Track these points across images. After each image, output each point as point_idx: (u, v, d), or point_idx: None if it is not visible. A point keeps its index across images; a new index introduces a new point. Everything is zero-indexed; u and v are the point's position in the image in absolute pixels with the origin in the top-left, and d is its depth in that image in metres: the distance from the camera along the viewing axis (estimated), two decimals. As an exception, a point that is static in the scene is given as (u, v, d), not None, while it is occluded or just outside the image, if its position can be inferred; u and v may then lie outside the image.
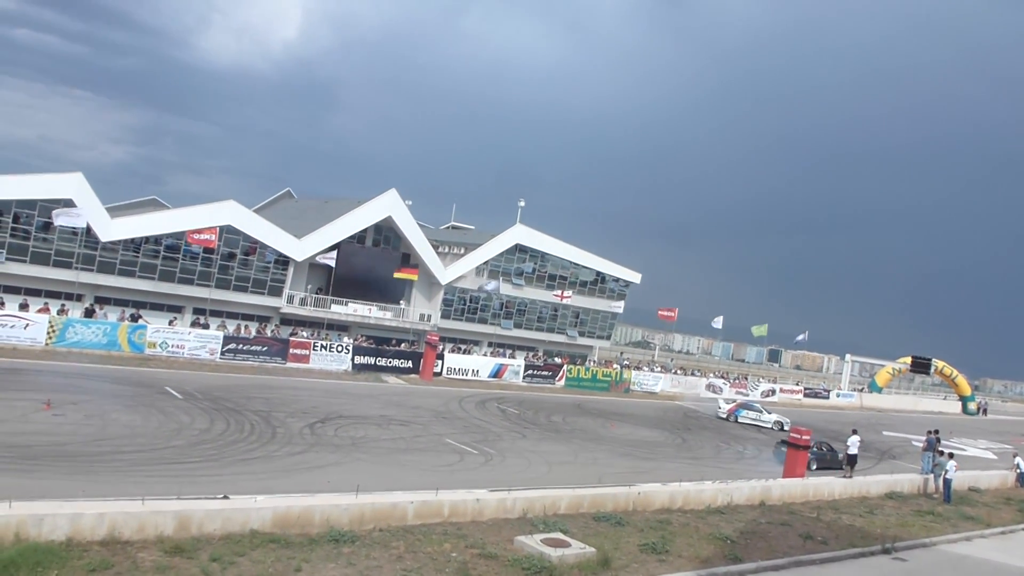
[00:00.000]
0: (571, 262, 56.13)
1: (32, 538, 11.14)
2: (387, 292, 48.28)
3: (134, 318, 35.91)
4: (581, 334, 57.80)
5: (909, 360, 71.64)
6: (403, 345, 44.65)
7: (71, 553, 11.07)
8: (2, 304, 32.23)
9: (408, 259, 48.73)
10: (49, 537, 11.30)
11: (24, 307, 32.99)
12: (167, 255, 39.18)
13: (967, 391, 77.08)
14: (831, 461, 29.14)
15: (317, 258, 42.93)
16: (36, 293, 36.07)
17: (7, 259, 35.19)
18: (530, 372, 45.78)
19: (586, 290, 57.16)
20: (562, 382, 46.69)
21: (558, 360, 51.05)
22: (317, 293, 45.51)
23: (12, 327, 30.50)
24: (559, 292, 52.77)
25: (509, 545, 14.16)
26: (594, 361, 56.96)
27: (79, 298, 37.21)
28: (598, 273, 57.73)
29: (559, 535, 14.76)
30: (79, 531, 11.61)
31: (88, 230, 35.79)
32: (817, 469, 27.48)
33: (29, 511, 11.47)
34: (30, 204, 35.22)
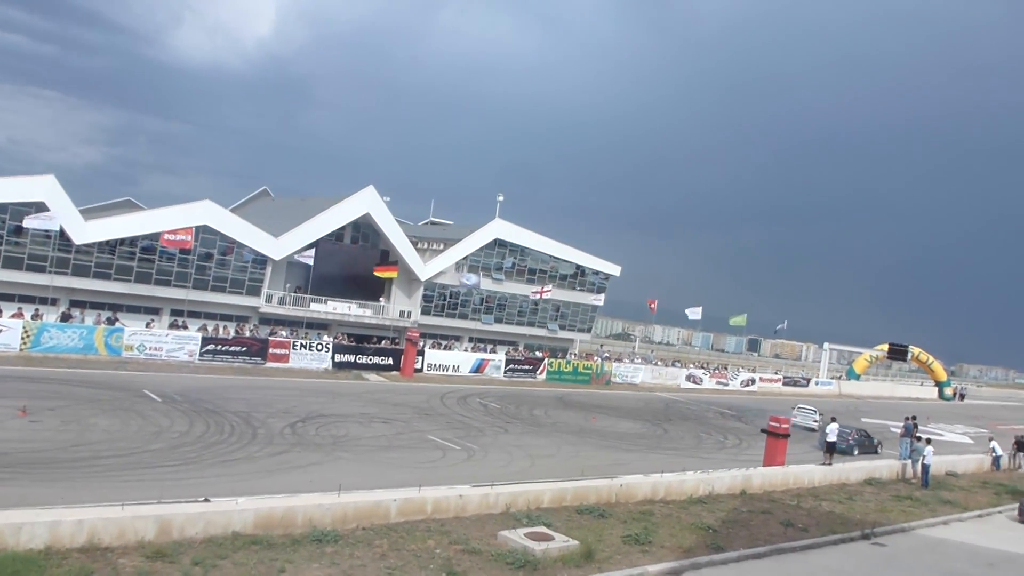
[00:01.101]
0: (551, 256, 56.17)
1: (10, 547, 11.01)
2: (367, 289, 48.08)
3: (111, 321, 35.51)
4: (562, 327, 57.91)
5: (886, 347, 72.58)
6: (384, 342, 44.51)
7: (50, 561, 10.94)
8: (-25, 309, 31.72)
9: (387, 256, 48.55)
10: (27, 545, 11.17)
11: (-3, 312, 32.50)
12: (143, 256, 38.74)
13: (943, 377, 78.29)
14: (868, 447, 31.85)
15: (295, 257, 42.67)
16: (9, 298, 35.52)
17: (-21, 264, 34.65)
18: (511, 366, 45.81)
19: (566, 283, 57.23)
20: (543, 376, 46.77)
21: (539, 354, 51.13)
22: (296, 292, 45.23)
23: (-15, 333, 30.01)
24: (539, 288, 52.80)
25: (493, 540, 14.17)
26: (575, 354, 57.10)
27: (54, 302, 36.72)
28: (578, 266, 57.84)
29: (542, 529, 14.80)
30: (58, 539, 11.49)
31: (62, 233, 35.29)
32: (859, 454, 30.39)
33: (6, 520, 11.33)
34: (1, 208, 34.67)
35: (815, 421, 37.22)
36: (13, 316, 32.41)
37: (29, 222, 33.15)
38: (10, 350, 30.22)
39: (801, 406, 40.08)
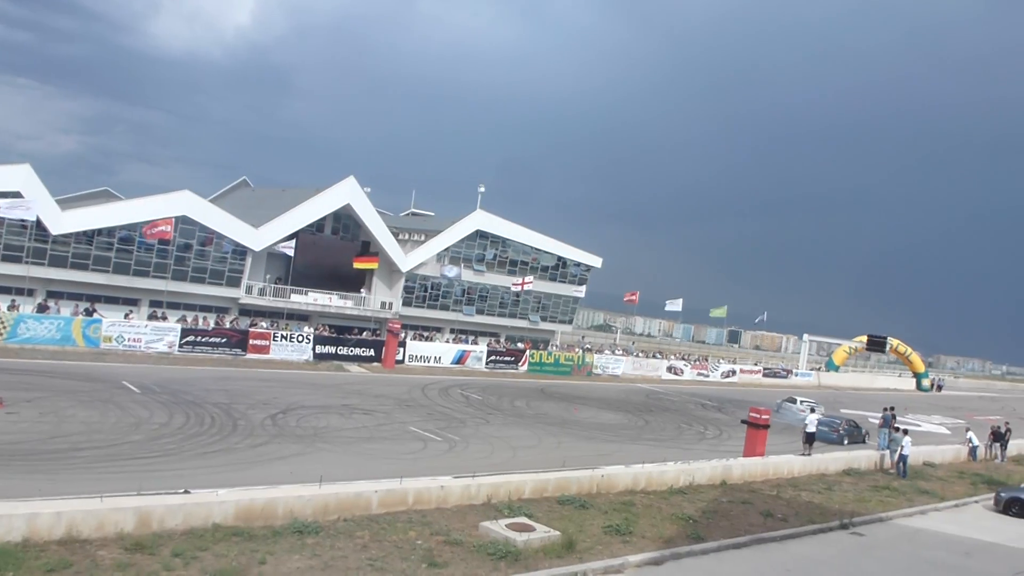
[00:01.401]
0: (532, 247, 56.18)
1: (-13, 540, 10.90)
2: (347, 280, 47.88)
3: (88, 312, 35.13)
4: (543, 319, 58.00)
5: (865, 339, 73.33)
6: (365, 334, 44.36)
7: (28, 554, 10.84)
8: (-51, 300, 31.26)
9: (368, 247, 48.35)
10: (5, 538, 11.05)
11: (-28, 303, 32.04)
12: (121, 247, 38.32)
13: (921, 368, 79.23)
14: (857, 437, 32.85)
15: (275, 247, 42.38)
16: (-16, 288, 35.05)
17: (-47, 254, 34.13)
18: (493, 358, 45.85)
19: (548, 275, 57.29)
20: (525, 367, 46.84)
21: (521, 345, 51.18)
22: (276, 283, 44.96)
23: (-40, 323, 29.61)
24: (519, 280, 52.78)
25: (474, 531, 14.20)
26: (556, 346, 57.22)
27: (30, 293, 36.26)
28: (559, 258, 57.88)
29: (524, 520, 14.84)
30: (36, 531, 11.38)
31: (38, 223, 34.82)
32: (848, 444, 31.41)
33: (-17, 512, 11.22)
34: (-25, 198, 34.10)
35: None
36: (-12, 307, 31.93)
37: (4, 211, 32.62)
38: (-14, 341, 29.82)
39: (803, 400, 39.43)
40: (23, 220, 33.82)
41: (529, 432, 26.93)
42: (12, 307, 33.02)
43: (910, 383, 77.25)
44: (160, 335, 34.23)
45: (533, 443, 25.05)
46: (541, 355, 48.83)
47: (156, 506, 12.63)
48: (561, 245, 57.88)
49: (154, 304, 39.67)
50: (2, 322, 30.57)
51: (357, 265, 47.31)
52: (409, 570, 12.32)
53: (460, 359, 44.25)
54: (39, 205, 34.07)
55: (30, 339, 30.93)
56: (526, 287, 53.04)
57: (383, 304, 48.99)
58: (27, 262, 35.60)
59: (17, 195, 33.79)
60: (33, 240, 35.69)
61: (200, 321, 38.63)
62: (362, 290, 48.57)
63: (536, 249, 56.45)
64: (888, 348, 74.37)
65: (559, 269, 58.08)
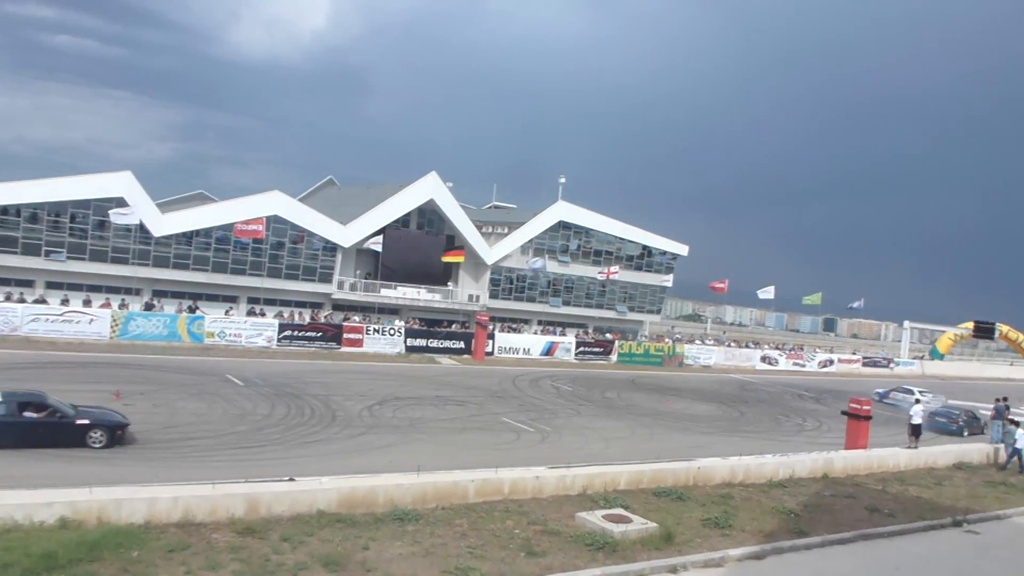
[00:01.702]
0: (616, 237, 55.66)
1: (113, 521, 11.55)
2: (435, 274, 48.56)
3: (191, 309, 36.76)
4: (631, 309, 57.41)
5: (971, 325, 69.45)
6: (454, 326, 44.91)
7: (149, 535, 11.43)
8: (67, 301, 33.34)
9: (453, 241, 48.89)
10: (128, 520, 11.70)
11: (87, 303, 34.06)
12: (218, 247, 39.97)
13: (1034, 356, 74.73)
14: (976, 429, 31.51)
15: (364, 244, 43.33)
16: (97, 289, 37.17)
17: (68, 257, 36.29)
18: (582, 349, 45.74)
19: (633, 264, 56.67)
20: (615, 358, 46.54)
21: (609, 336, 50.86)
22: (366, 278, 45.99)
23: (78, 322, 31.51)
24: (605, 270, 52.37)
25: (570, 521, 14.19)
26: (645, 336, 56.58)
27: (138, 292, 38.21)
28: (644, 247, 57.15)
29: (620, 511, 14.72)
30: (155, 514, 12.00)
31: (141, 226, 36.67)
32: (968, 436, 30.30)
33: (109, 496, 11.90)
34: (84, 204, 36.31)
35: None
36: (102, 306, 33.85)
37: (114, 217, 34.54)
38: (101, 338, 31.60)
39: (920, 390, 37.94)
40: (128, 224, 35.69)
41: (621, 423, 26.71)
42: (122, 306, 34.87)
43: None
44: (259, 330, 35.55)
45: (626, 434, 24.84)
46: (631, 345, 48.41)
47: (264, 493, 13.11)
48: (645, 234, 57.13)
49: (251, 301, 41.24)
50: (115, 320, 32.33)
51: (444, 259, 47.92)
52: (508, 559, 12.38)
53: (549, 350, 44.31)
54: (142, 210, 35.92)
55: (140, 335, 32.59)
56: (612, 276, 52.62)
57: (470, 297, 49.49)
58: (133, 263, 37.55)
59: (121, 201, 35.71)
60: (138, 242, 37.63)
61: (295, 316, 39.90)
62: (449, 283, 49.18)
63: (620, 238, 55.90)
64: (997, 335, 70.34)
65: (644, 258, 57.37)
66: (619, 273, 53.56)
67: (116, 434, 16.93)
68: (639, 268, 57.10)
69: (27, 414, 16.19)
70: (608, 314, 56.16)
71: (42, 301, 33.24)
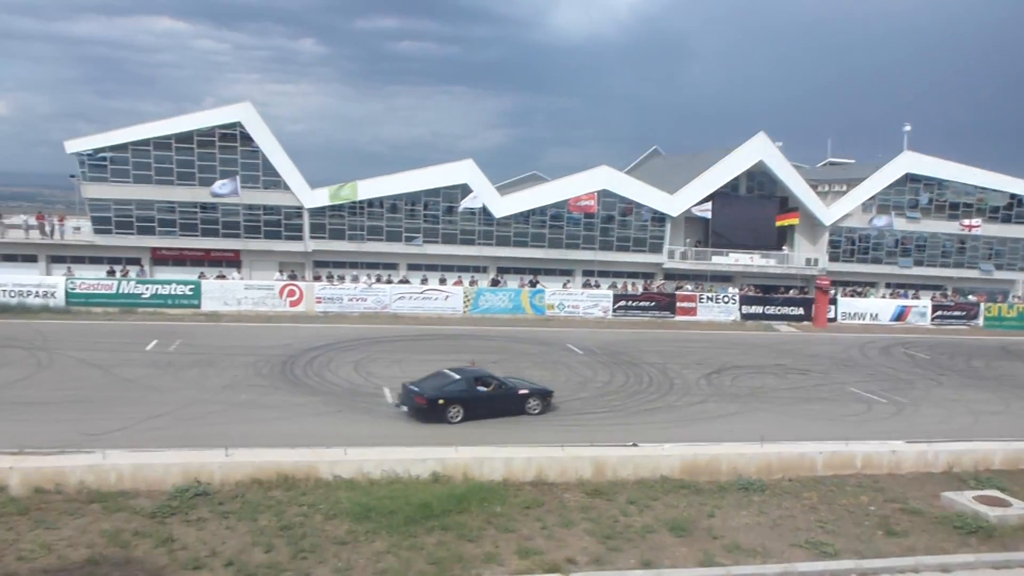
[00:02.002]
0: (976, 186, 48.21)
1: (476, 477, 12.78)
2: (767, 239, 46.26)
3: (532, 283, 39.30)
4: (998, 267, 49.56)
5: None
6: (791, 292, 42.58)
7: (508, 491, 12.45)
8: (425, 281, 37.69)
9: (786, 203, 46.08)
10: (489, 477, 12.87)
11: (443, 282, 38.08)
12: (553, 223, 42.08)
13: None
14: None
15: (692, 211, 42.69)
16: (449, 269, 41.32)
17: (424, 242, 40.82)
18: (939, 313, 40.96)
19: (999, 217, 48.74)
20: (980, 322, 41.00)
21: (973, 298, 44.56)
22: (696, 246, 45.33)
23: (436, 300, 35.50)
24: (966, 222, 45.70)
25: (935, 501, 12.97)
26: (1019, 297, 48.55)
27: (484, 270, 41.77)
28: (1012, 195, 48.81)
29: (996, 492, 13.19)
30: (512, 472, 13.04)
31: (484, 209, 39.99)
32: None
33: (472, 455, 13.20)
34: (435, 192, 40.40)
35: None
36: (455, 284, 37.63)
37: (464, 203, 38.26)
38: (456, 313, 35.24)
39: None
40: (473, 208, 39.22)
41: (993, 395, 23.35)
42: (472, 283, 38.45)
43: None
44: (595, 301, 36.94)
45: (998, 408, 21.69)
46: (1000, 308, 42.36)
47: (609, 456, 13.58)
48: (1015, 180, 48.72)
49: (586, 273, 42.87)
50: (467, 296, 35.80)
51: (778, 222, 45.49)
52: (863, 536, 11.55)
53: (900, 315, 40.27)
54: (484, 194, 39.16)
55: (488, 309, 35.70)
56: (973, 231, 45.86)
57: (808, 261, 46.41)
58: (479, 243, 41.07)
59: (465, 187, 39.21)
60: (482, 224, 41.02)
61: (628, 287, 40.72)
62: (784, 247, 46.59)
63: (981, 188, 48.33)
64: None
65: (1013, 208, 49.02)
66: (982, 227, 46.47)
67: (547, 401, 18.60)
68: (1007, 220, 48.92)
69: (479, 388, 18.05)
70: (970, 273, 49.04)
71: (405, 282, 37.85)
